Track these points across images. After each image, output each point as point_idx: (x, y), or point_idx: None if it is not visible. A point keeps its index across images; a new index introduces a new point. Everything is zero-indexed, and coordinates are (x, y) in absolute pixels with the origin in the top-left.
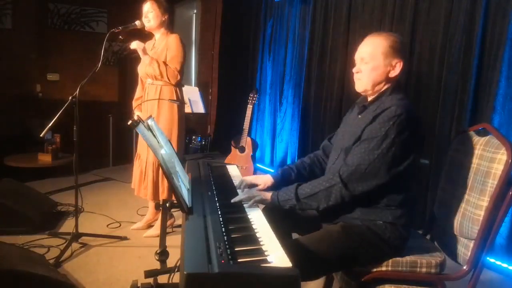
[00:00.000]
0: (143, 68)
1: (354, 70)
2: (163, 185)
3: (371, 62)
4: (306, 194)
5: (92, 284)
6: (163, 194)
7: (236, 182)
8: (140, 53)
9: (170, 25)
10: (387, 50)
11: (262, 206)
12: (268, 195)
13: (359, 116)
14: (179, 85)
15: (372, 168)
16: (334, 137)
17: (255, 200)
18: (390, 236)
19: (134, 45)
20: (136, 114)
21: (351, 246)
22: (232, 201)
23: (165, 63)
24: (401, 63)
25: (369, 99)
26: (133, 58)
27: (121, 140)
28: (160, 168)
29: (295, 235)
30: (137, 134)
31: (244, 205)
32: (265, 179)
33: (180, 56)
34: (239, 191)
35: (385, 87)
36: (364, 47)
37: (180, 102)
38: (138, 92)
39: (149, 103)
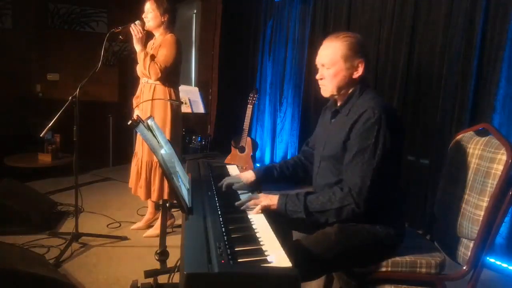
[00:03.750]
0: (140, 68)
1: (317, 76)
2: (155, 185)
3: (332, 68)
4: (316, 209)
5: (92, 284)
6: (154, 194)
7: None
8: (135, 40)
9: (172, 25)
10: (346, 53)
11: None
12: (275, 200)
13: (332, 121)
14: (174, 85)
15: (375, 177)
16: (311, 142)
17: (263, 206)
18: (385, 235)
19: (133, 28)
20: (136, 113)
21: (348, 246)
22: (237, 204)
23: (153, 58)
24: (363, 63)
25: (339, 103)
26: (133, 58)
27: (121, 140)
28: (153, 168)
29: (294, 233)
30: (136, 133)
31: (248, 212)
32: (247, 176)
33: (170, 56)
34: (242, 195)
35: (352, 88)
36: (323, 52)
37: (175, 102)
38: (139, 91)
39: (144, 102)
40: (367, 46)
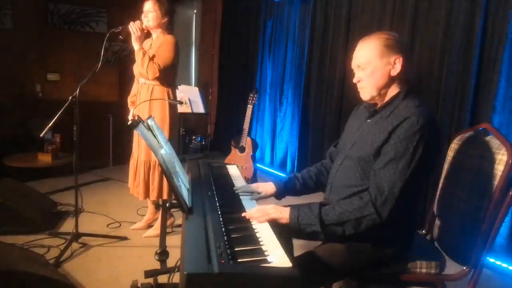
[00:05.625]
0: (138, 67)
1: (354, 80)
2: (154, 184)
3: (368, 67)
4: (332, 221)
5: (92, 284)
6: (153, 193)
7: (236, 182)
8: (133, 38)
9: (170, 26)
10: (381, 49)
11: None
12: (286, 213)
13: (369, 121)
14: (172, 86)
15: (405, 188)
16: (339, 143)
17: (270, 218)
18: (395, 250)
19: (133, 25)
20: (132, 111)
21: (356, 261)
22: (243, 215)
23: (152, 58)
24: (401, 59)
25: (379, 103)
26: (133, 59)
27: (121, 140)
28: (152, 168)
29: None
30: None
31: (253, 222)
32: (267, 188)
33: (168, 57)
34: (248, 201)
35: (395, 90)
36: (358, 53)
37: (175, 103)
38: (133, 89)
39: (142, 103)
40: (405, 44)
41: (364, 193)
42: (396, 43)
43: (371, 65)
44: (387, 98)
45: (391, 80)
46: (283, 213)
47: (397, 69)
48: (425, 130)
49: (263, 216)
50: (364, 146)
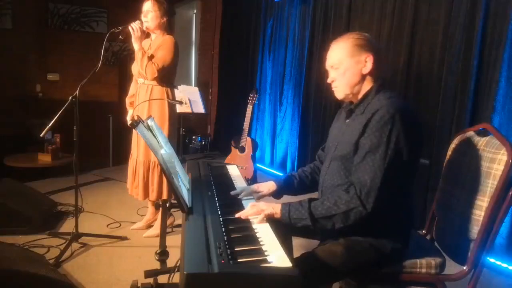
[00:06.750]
0: (136, 67)
1: (328, 80)
2: (153, 185)
3: (341, 66)
4: (321, 215)
5: (92, 284)
6: (152, 194)
7: (236, 182)
8: (133, 38)
9: (169, 26)
10: (352, 49)
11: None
12: (278, 208)
13: (347, 121)
14: (171, 86)
15: (386, 178)
16: (326, 146)
17: (266, 215)
18: (392, 248)
19: (134, 25)
20: (130, 113)
21: (355, 262)
22: (237, 215)
23: (151, 58)
24: (371, 57)
25: (354, 102)
26: (133, 59)
27: (121, 140)
28: (151, 168)
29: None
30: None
31: (253, 220)
32: (268, 186)
33: (168, 58)
34: (248, 201)
35: (367, 87)
36: (331, 54)
37: (175, 103)
38: (131, 90)
39: (141, 103)
40: (376, 43)
41: (350, 187)
42: (367, 42)
43: (343, 65)
44: (360, 96)
45: (363, 78)
46: (275, 208)
47: (368, 67)
48: (395, 119)
49: (258, 212)
50: (344, 145)
